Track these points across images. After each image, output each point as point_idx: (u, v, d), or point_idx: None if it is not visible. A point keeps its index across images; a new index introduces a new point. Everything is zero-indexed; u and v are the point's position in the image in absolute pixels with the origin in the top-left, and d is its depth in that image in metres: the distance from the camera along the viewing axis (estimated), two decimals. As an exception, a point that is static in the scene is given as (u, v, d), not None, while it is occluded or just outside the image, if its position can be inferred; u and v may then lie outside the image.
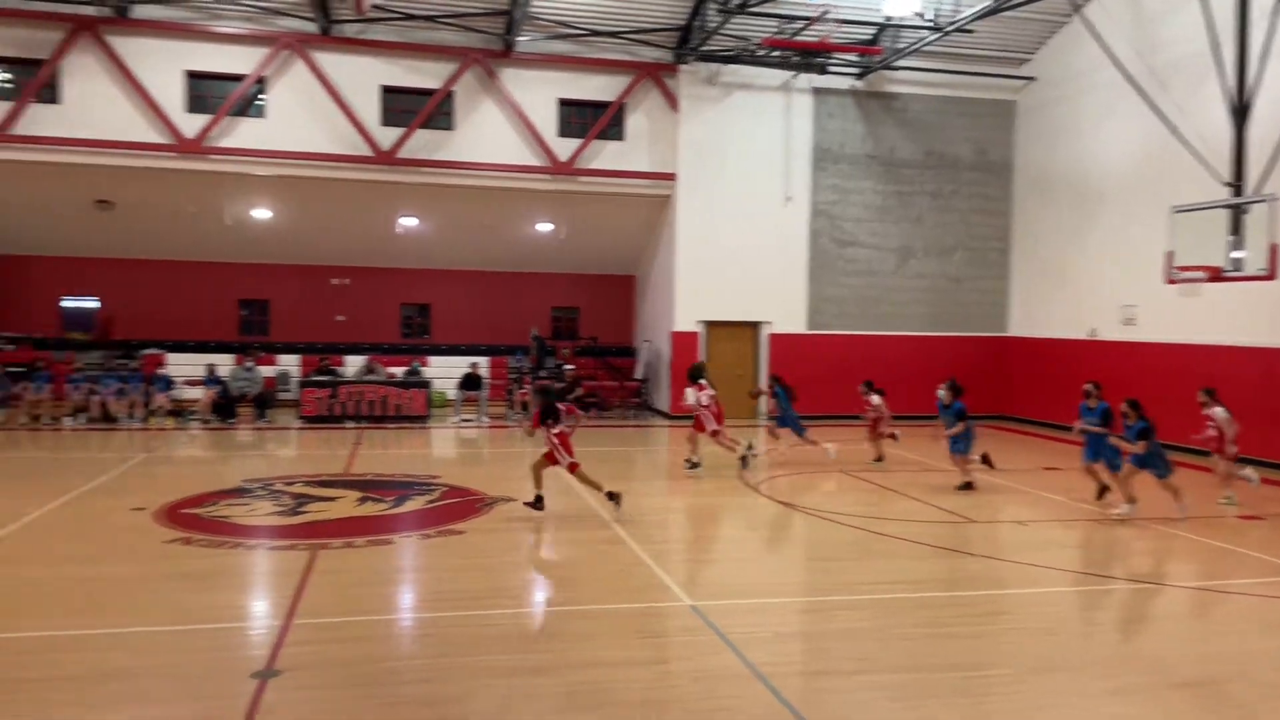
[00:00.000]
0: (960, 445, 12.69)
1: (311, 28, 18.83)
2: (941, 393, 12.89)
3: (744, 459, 13.59)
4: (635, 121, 20.63)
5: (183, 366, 20.35)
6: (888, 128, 21.42)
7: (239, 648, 6.57)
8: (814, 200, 21.08)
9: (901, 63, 20.16)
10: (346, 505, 11.20)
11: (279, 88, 19.03)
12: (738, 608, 7.66)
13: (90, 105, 18.15)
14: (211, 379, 19.15)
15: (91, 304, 21.91)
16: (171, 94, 18.49)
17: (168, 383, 19.16)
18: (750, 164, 20.65)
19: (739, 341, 21.21)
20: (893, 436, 14.95)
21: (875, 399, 15.04)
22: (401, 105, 19.59)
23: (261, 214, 20.72)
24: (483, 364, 21.34)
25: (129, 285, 21.78)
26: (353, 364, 21.22)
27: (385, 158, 19.28)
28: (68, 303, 21.87)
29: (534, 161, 20.07)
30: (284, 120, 19.02)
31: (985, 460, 13.34)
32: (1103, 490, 11.75)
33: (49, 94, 18.10)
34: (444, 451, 17.32)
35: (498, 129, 19.93)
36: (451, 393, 20.57)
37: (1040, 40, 20.89)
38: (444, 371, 21.46)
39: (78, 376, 18.78)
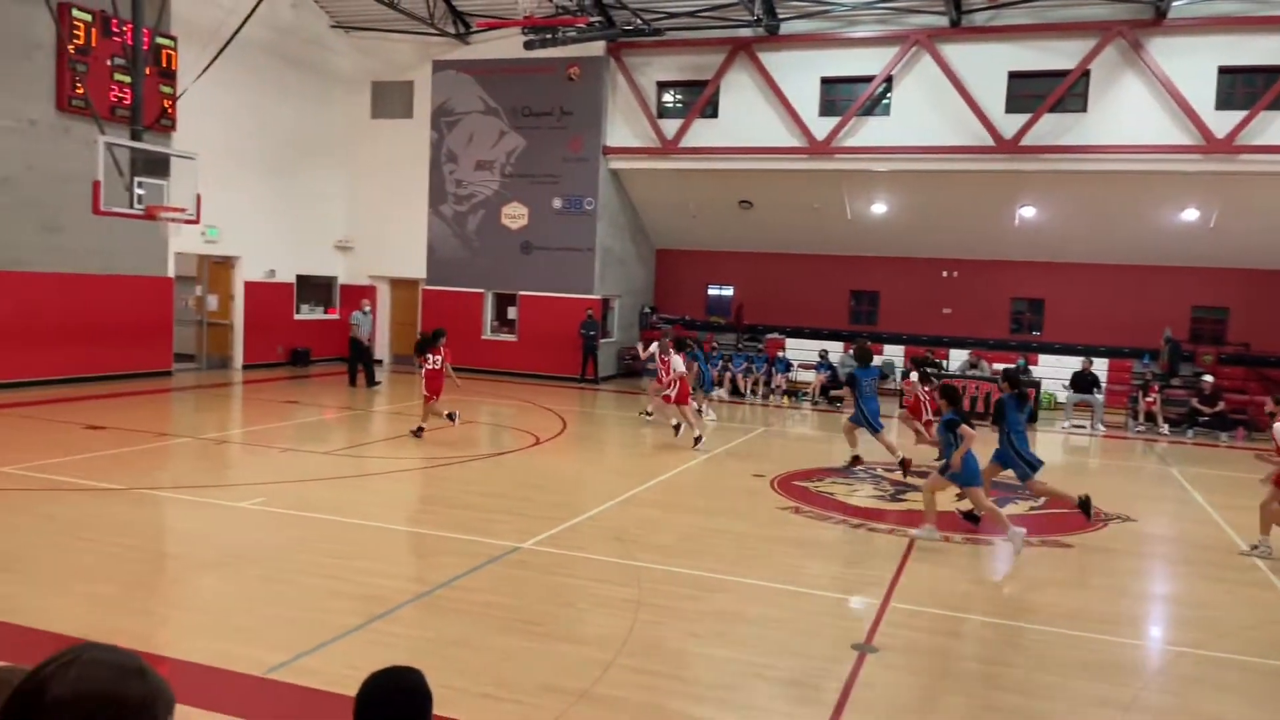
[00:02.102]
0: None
1: (941, 21, 18.94)
2: None
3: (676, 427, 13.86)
4: (1326, 84, 16.93)
5: (798, 351, 22.23)
6: None
7: (839, 617, 6.95)
8: None
9: None
10: (944, 499, 11.10)
11: (905, 85, 19.55)
12: None
13: (740, 116, 20.68)
14: (823, 364, 20.57)
15: (728, 292, 25.03)
16: (807, 100, 20.16)
17: (786, 365, 21.05)
18: None
19: None
20: (917, 433, 12.58)
21: (913, 377, 12.87)
22: (1028, 90, 18.74)
23: (878, 208, 21.54)
24: (1099, 366, 19.48)
25: (758, 276, 24.36)
26: (956, 358, 21.03)
27: (1007, 146, 18.63)
28: (711, 290, 25.28)
29: (1182, 140, 17.66)
30: (907, 116, 19.50)
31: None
32: None
33: (710, 110, 21.04)
34: (1049, 458, 16.17)
35: (1139, 107, 17.98)
36: (1061, 394, 19.19)
37: None
38: (1054, 372, 20.16)
39: (716, 355, 21.62)
